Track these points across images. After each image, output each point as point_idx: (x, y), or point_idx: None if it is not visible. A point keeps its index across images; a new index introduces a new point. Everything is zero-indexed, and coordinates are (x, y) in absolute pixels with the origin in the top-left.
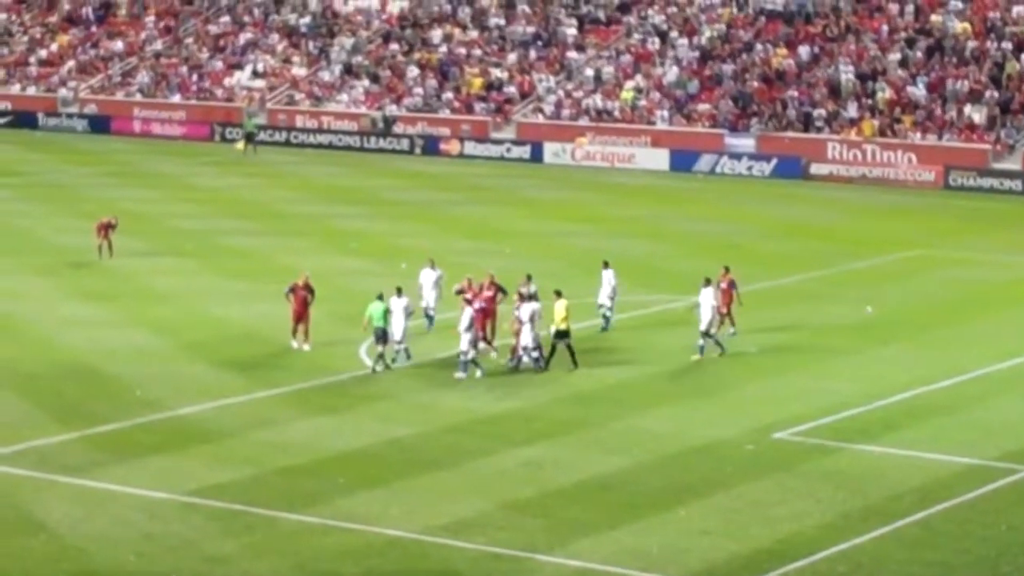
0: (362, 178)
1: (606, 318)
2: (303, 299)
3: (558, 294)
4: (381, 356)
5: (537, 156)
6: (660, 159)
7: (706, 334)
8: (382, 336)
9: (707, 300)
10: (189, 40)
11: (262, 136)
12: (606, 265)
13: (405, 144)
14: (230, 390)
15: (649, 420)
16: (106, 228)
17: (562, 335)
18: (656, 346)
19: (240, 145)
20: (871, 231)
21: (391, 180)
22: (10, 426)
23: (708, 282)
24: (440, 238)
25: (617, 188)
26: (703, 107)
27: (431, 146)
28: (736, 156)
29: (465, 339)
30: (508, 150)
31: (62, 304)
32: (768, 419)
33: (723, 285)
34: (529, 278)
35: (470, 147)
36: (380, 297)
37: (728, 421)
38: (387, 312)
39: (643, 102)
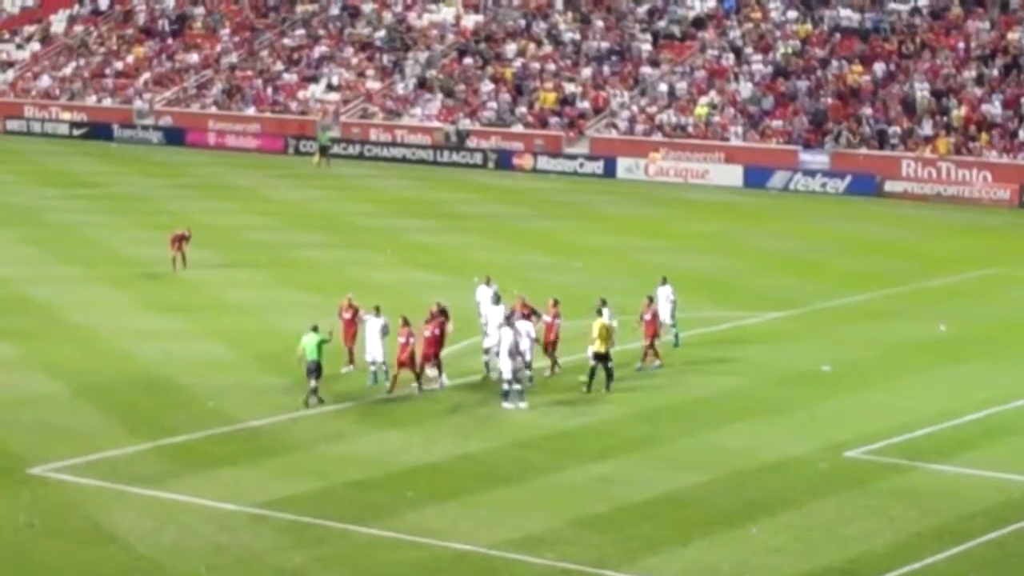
0: (435, 192)
1: (677, 334)
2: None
3: (598, 312)
4: (314, 391)
5: (610, 171)
6: (734, 175)
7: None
8: (315, 370)
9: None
10: (264, 53)
11: (336, 149)
12: (664, 281)
13: (478, 158)
14: (301, 403)
15: (720, 437)
16: (180, 240)
17: (600, 357)
18: (727, 363)
19: (315, 158)
20: (945, 249)
21: (464, 194)
22: (83, 436)
23: (604, 303)
24: (512, 252)
25: (690, 204)
26: (777, 123)
27: (504, 160)
28: (810, 173)
29: (507, 367)
30: (581, 165)
31: (136, 315)
32: (841, 437)
33: (647, 317)
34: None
35: (543, 162)
36: (314, 329)
37: (800, 439)
38: (322, 343)
39: (717, 118)
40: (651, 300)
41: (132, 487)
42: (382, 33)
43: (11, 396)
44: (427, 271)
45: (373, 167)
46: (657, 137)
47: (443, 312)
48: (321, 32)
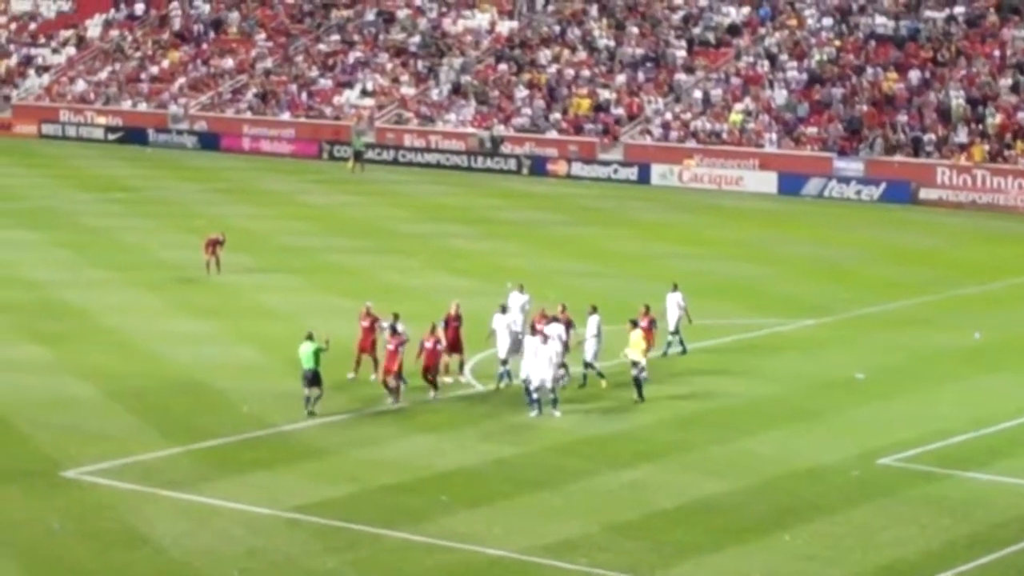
0: (469, 198)
1: (669, 344)
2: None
3: (633, 324)
4: (318, 399)
5: (644, 178)
6: (768, 182)
7: (589, 364)
8: (312, 379)
9: (592, 329)
10: (299, 58)
11: (370, 154)
12: (675, 287)
13: (512, 164)
14: (334, 407)
15: (753, 444)
16: (214, 244)
17: (635, 366)
18: (761, 370)
19: (349, 163)
20: (980, 257)
21: (498, 200)
22: (117, 440)
23: (595, 309)
24: (546, 259)
25: (724, 211)
26: (812, 130)
27: (538, 166)
28: (845, 180)
29: (537, 376)
30: (615, 171)
31: (170, 319)
32: (873, 444)
33: (643, 324)
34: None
35: (577, 168)
36: (310, 337)
37: (833, 446)
38: (318, 351)
39: (752, 125)
40: (647, 309)
41: (165, 491)
42: (417, 39)
43: (45, 399)
44: (460, 276)
45: (407, 173)
46: (691, 144)
47: (458, 317)
48: (356, 38)
